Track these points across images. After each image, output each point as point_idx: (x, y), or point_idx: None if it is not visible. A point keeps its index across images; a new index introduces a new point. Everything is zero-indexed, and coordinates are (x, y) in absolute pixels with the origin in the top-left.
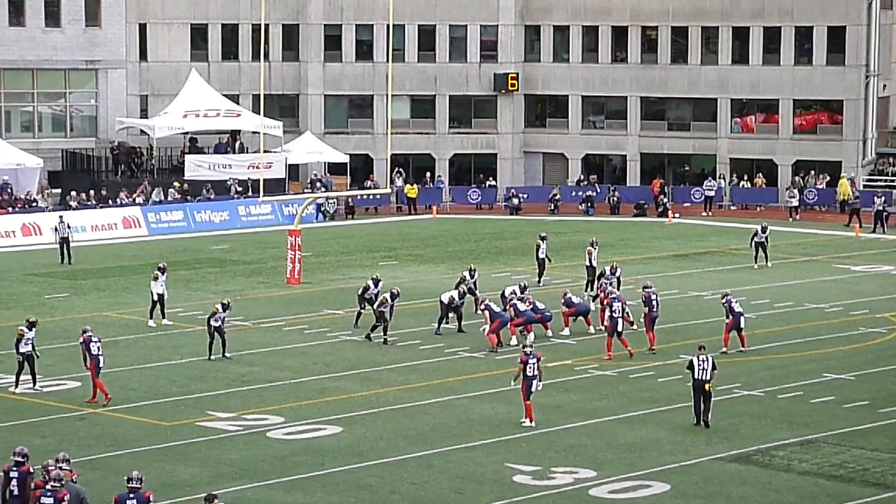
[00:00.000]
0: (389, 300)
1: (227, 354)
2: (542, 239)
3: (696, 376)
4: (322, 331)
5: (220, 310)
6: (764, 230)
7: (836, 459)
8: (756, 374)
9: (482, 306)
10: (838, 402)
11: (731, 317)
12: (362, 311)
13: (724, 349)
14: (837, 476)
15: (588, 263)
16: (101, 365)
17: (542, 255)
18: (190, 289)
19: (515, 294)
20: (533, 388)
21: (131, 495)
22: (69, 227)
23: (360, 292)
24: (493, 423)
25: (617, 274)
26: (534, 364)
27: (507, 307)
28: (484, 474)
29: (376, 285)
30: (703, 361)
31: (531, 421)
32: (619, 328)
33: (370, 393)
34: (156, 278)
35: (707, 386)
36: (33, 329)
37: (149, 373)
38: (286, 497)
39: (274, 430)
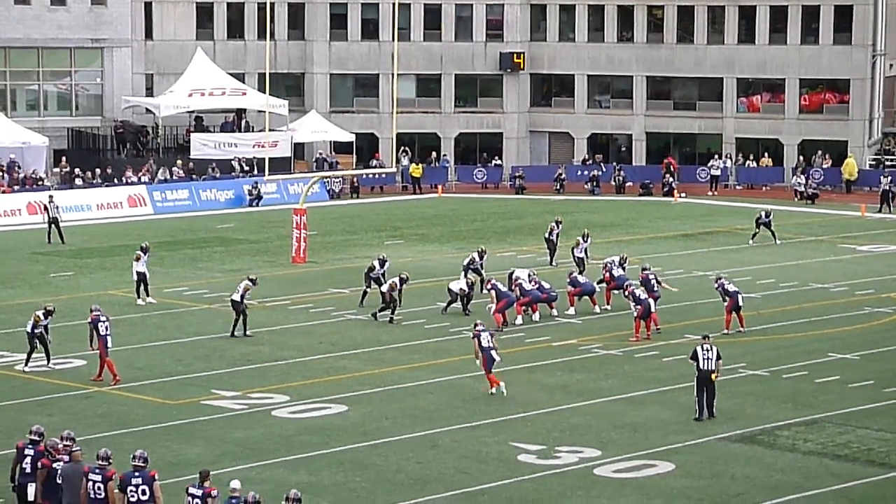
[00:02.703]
0: (398, 284)
1: (248, 332)
2: (558, 223)
3: (700, 367)
4: (327, 310)
5: (251, 285)
6: (768, 214)
7: (840, 439)
8: (761, 354)
9: (489, 286)
10: (843, 382)
11: (728, 298)
12: (368, 290)
13: (726, 331)
14: (842, 456)
15: (548, 237)
16: (109, 345)
17: (551, 238)
18: (196, 268)
19: (522, 277)
20: (496, 358)
21: (136, 474)
22: (58, 207)
23: (366, 271)
24: (498, 403)
25: (625, 265)
26: (487, 336)
27: (514, 287)
28: (489, 453)
29: (382, 265)
30: (708, 351)
31: (493, 386)
32: (653, 309)
33: (375, 372)
34: (138, 258)
35: (714, 376)
36: (49, 317)
37: (154, 351)
38: (291, 476)
39: (279, 408)
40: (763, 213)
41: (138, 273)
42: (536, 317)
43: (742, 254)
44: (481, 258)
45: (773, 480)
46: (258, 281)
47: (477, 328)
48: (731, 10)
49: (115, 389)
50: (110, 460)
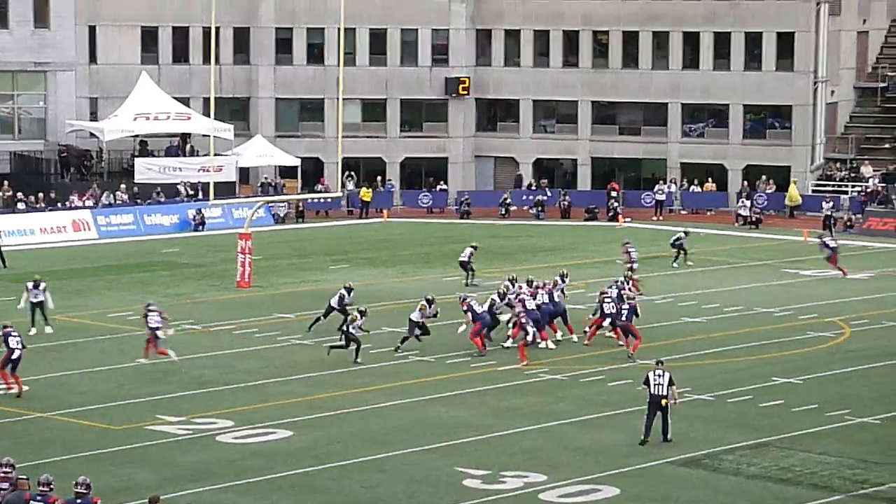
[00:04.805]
0: (360, 318)
1: (358, 360)
2: (474, 248)
3: (652, 392)
4: (273, 334)
5: (359, 317)
6: (686, 234)
7: (784, 463)
8: (707, 379)
9: (465, 306)
10: (787, 406)
11: (599, 314)
12: (323, 318)
13: (615, 338)
14: (785, 479)
15: (465, 260)
16: (14, 357)
17: (462, 259)
18: (141, 292)
19: (502, 291)
20: (161, 335)
21: (78, 501)
22: (0, 232)
23: (337, 301)
24: (448, 427)
25: (566, 282)
26: (156, 317)
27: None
28: (438, 478)
29: (349, 294)
30: (660, 377)
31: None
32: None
33: (323, 396)
34: (27, 289)
35: (664, 402)
36: None
37: (98, 376)
38: (240, 500)
39: (223, 434)
40: (682, 234)
41: (31, 303)
42: (508, 343)
43: (687, 278)
44: (513, 285)
45: None
46: (367, 312)
47: (149, 307)
48: (676, 35)
49: (59, 414)
50: (52, 486)
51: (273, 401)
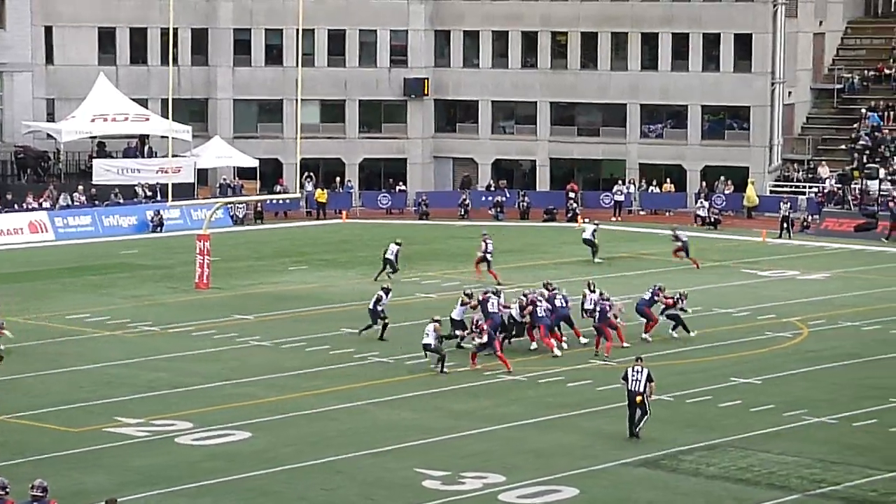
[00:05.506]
0: (440, 325)
1: (444, 370)
2: (398, 245)
3: (629, 388)
4: (231, 336)
5: (439, 325)
6: (597, 226)
7: (742, 463)
8: (665, 379)
9: (482, 295)
10: (745, 407)
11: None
12: (373, 325)
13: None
14: (744, 479)
15: (387, 257)
16: None
17: (388, 256)
18: (98, 294)
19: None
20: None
21: None
22: None
23: (371, 306)
24: (402, 429)
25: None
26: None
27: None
28: (393, 480)
29: (387, 295)
30: (638, 373)
31: None
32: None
33: (279, 398)
34: None
35: (639, 398)
36: None
37: (55, 379)
38: (194, 503)
39: (182, 435)
40: (594, 226)
41: None
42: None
43: (645, 279)
44: (591, 291)
45: None
46: (441, 321)
47: None
48: (634, 36)
49: (14, 417)
50: (7, 490)
51: (231, 402)
